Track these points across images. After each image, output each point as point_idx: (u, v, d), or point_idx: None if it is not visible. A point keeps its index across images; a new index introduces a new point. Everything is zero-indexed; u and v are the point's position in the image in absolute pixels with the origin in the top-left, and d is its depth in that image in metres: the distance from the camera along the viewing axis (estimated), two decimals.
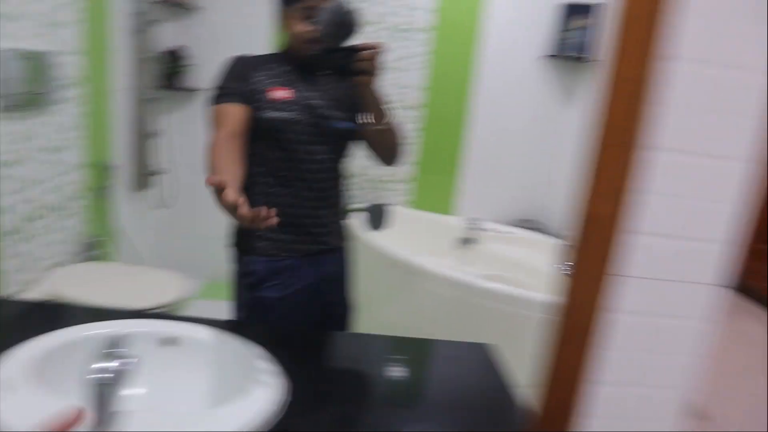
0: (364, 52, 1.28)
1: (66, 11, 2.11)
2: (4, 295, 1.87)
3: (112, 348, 0.98)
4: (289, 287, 1.47)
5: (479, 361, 1.33)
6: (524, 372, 1.45)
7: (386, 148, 1.50)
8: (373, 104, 1.37)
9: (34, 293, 1.95)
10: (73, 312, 1.46)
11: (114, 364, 0.96)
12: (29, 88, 1.89)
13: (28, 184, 1.98)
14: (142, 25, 2.67)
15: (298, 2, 1.36)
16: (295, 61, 1.45)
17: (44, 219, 2.10)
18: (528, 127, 3.31)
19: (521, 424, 1.03)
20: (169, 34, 3.08)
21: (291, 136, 1.40)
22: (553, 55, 3.16)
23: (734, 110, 0.81)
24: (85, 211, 2.40)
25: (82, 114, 2.29)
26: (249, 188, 1.43)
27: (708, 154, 0.81)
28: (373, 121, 1.40)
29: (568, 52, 3.08)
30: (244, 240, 1.49)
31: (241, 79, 1.39)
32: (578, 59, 3.08)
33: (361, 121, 1.45)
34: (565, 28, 3.10)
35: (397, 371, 1.25)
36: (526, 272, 3.03)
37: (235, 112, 1.35)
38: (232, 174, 1.22)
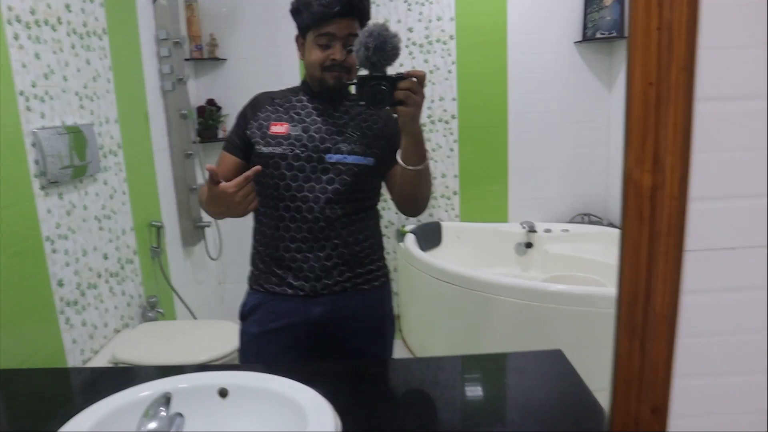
0: (405, 81, 1.16)
1: (101, 83, 2.18)
2: (69, 365, 1.91)
3: (157, 406, 0.95)
4: (269, 324, 1.41)
5: (555, 369, 1.22)
6: (608, 374, 1.34)
7: (416, 193, 1.35)
8: (413, 140, 1.24)
9: (98, 361, 1.98)
10: (132, 374, 1.45)
11: (158, 423, 0.93)
12: (74, 161, 1.95)
13: (83, 253, 2.03)
14: (173, 84, 2.74)
15: (315, 30, 1.34)
16: (311, 92, 1.42)
17: (101, 286, 2.14)
18: (570, 118, 3.18)
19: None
20: (200, 89, 3.16)
21: (284, 171, 1.35)
22: (584, 40, 3.03)
23: None
24: (141, 273, 2.44)
25: (127, 179, 2.35)
26: (254, 230, 1.46)
27: None
28: (411, 159, 1.26)
29: (600, 33, 2.95)
30: (252, 275, 1.49)
31: (241, 121, 1.43)
32: (611, 39, 2.94)
33: (396, 159, 1.31)
34: (593, 9, 2.98)
35: (471, 392, 1.17)
36: (594, 268, 2.88)
37: (227, 161, 1.42)
38: None
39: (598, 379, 1.18)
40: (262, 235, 1.42)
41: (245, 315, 1.46)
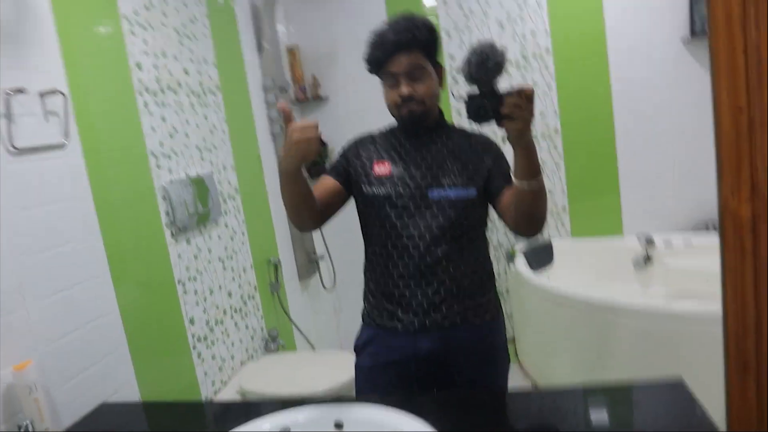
0: (511, 96, 1.14)
1: (218, 135, 2.40)
2: (203, 396, 2.08)
3: None
4: (381, 357, 1.44)
5: (676, 402, 1.15)
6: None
7: (533, 211, 1.30)
8: (524, 156, 1.21)
9: (227, 392, 2.13)
10: (257, 407, 1.56)
11: None
12: (198, 209, 2.15)
13: (210, 292, 2.22)
14: (281, 128, 2.92)
15: (379, 73, 1.40)
16: (407, 129, 1.46)
17: (227, 321, 2.32)
18: (682, 119, 2.96)
19: None
20: None
21: (389, 210, 1.38)
22: (692, 35, 2.84)
23: None
24: (261, 307, 2.60)
25: (245, 220, 2.54)
26: (364, 267, 1.50)
27: None
28: (524, 176, 1.23)
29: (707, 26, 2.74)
30: (364, 311, 1.52)
31: (344, 157, 1.48)
32: None
33: (478, 190, 1.35)
34: (699, 1, 2.78)
35: (584, 428, 1.13)
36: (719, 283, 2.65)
37: (327, 182, 1.45)
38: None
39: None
40: (372, 272, 1.47)
41: (359, 349, 1.51)
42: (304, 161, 1.22)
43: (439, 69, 1.42)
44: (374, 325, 1.47)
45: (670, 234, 2.98)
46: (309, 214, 1.37)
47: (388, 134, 1.50)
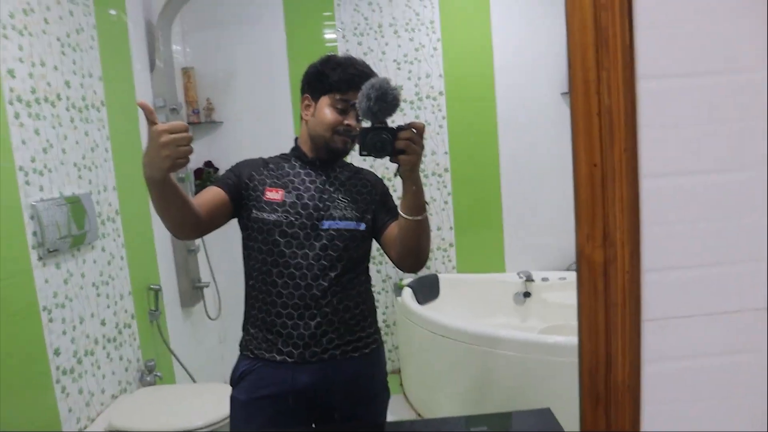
0: (405, 131, 1.19)
1: (99, 153, 2.26)
2: None
3: None
4: (257, 390, 1.40)
5: (546, 429, 1.22)
6: None
7: (417, 245, 1.34)
8: (412, 191, 1.25)
9: (95, 428, 1.97)
10: None
11: None
12: (72, 231, 2.00)
13: (80, 321, 2.05)
14: None
15: (334, 94, 1.37)
16: (304, 158, 1.46)
17: (98, 352, 2.15)
18: (560, 165, 3.20)
19: None
20: (199, 152, 3.24)
21: (278, 238, 1.37)
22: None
23: (735, 117, 0.74)
24: (139, 337, 2.45)
25: (125, 244, 2.40)
26: (245, 295, 1.47)
27: (716, 170, 0.75)
28: (411, 210, 1.27)
29: None
30: (242, 340, 1.49)
31: (234, 174, 1.43)
32: None
33: (367, 224, 1.37)
34: None
35: None
36: None
37: (214, 192, 1.38)
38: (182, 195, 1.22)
39: None
40: (254, 299, 1.44)
41: (235, 381, 1.46)
42: (172, 170, 1.10)
43: None
44: (252, 356, 1.43)
45: (547, 272, 3.20)
46: (187, 222, 1.28)
47: (281, 161, 1.49)
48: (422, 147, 1.22)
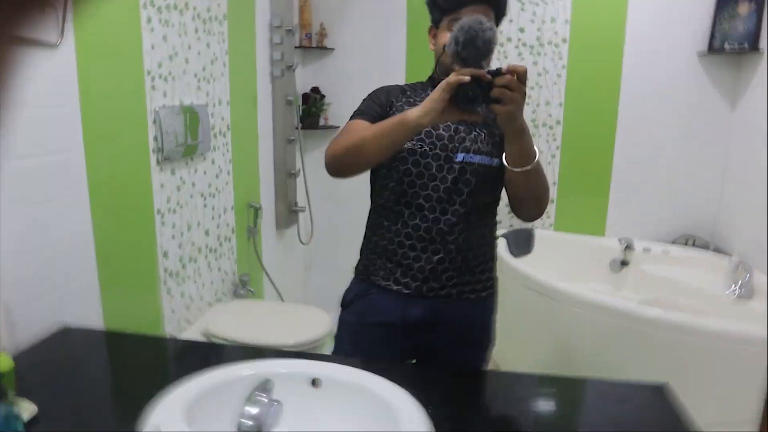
0: (502, 77, 1.08)
1: (217, 67, 2.28)
2: (165, 334, 2.02)
3: (258, 391, 0.98)
4: (368, 316, 1.39)
5: (655, 406, 1.15)
6: (701, 414, 1.24)
7: (530, 197, 1.28)
8: (515, 141, 1.17)
9: (191, 332, 2.08)
10: (224, 352, 1.51)
11: (259, 408, 0.95)
12: (188, 140, 2.05)
13: (188, 228, 2.13)
14: (282, 71, 2.81)
15: (448, 15, 1.29)
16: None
17: (200, 261, 2.24)
18: (686, 133, 2.97)
19: None
20: (307, 76, 3.23)
21: (411, 167, 1.31)
22: (710, 51, 2.81)
23: None
24: (236, 251, 2.53)
25: (233, 159, 2.45)
26: (369, 220, 1.42)
27: None
28: (516, 160, 1.19)
29: (729, 44, 2.73)
30: (360, 266, 1.47)
31: (375, 103, 1.37)
32: (741, 52, 2.71)
33: (503, 161, 1.24)
34: (724, 18, 2.75)
35: (552, 419, 1.12)
36: (695, 296, 2.69)
37: (362, 126, 1.31)
38: None
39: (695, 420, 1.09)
40: (377, 226, 1.40)
41: (347, 303, 1.46)
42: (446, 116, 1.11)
43: None
44: (368, 282, 1.41)
45: (650, 242, 3.01)
46: (371, 167, 1.33)
47: (419, 89, 1.41)
48: (523, 94, 1.09)
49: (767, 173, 2.52)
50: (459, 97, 1.10)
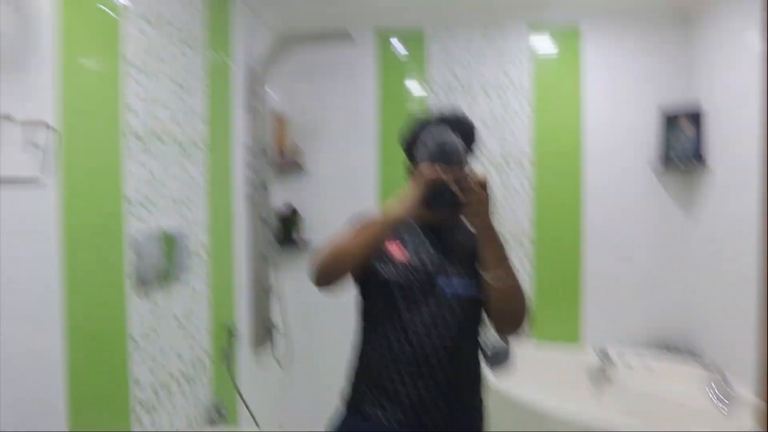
0: (466, 182, 1.19)
1: (195, 190, 2.32)
2: None
3: None
4: None
5: None
6: None
7: (508, 311, 1.30)
8: (486, 244, 1.23)
9: None
10: None
11: None
12: (164, 264, 2.03)
13: (160, 353, 2.06)
14: (258, 189, 2.87)
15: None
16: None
17: (173, 387, 2.15)
18: (651, 243, 3.09)
19: None
20: (281, 194, 3.30)
21: (398, 295, 1.33)
22: (663, 165, 3.01)
23: None
24: (212, 375, 2.44)
25: (209, 281, 2.43)
26: (360, 345, 1.41)
27: None
28: (489, 265, 1.24)
29: (678, 160, 2.93)
30: (348, 395, 1.43)
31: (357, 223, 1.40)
32: (688, 168, 2.91)
33: (482, 277, 1.29)
34: (671, 135, 2.97)
35: None
36: (675, 409, 2.66)
37: (341, 234, 1.36)
38: None
39: None
40: (366, 356, 1.39)
41: None
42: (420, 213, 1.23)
43: None
44: (354, 412, 1.37)
45: (626, 348, 3.02)
46: (356, 269, 1.33)
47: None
48: (486, 196, 1.21)
49: (731, 281, 2.61)
50: (430, 197, 1.22)
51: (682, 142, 2.93)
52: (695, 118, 2.89)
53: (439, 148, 1.23)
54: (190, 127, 2.29)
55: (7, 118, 1.37)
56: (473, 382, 1.39)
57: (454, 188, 1.20)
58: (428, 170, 1.20)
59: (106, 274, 1.78)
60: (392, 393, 1.32)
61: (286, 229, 3.19)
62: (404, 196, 1.22)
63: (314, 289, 1.39)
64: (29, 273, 1.46)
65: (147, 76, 1.99)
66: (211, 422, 2.37)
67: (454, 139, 1.25)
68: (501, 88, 3.17)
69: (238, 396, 2.64)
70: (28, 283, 1.45)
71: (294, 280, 3.26)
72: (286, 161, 3.24)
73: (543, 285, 3.16)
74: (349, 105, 3.29)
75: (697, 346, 2.98)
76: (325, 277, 1.32)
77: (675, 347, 3.04)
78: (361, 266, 1.32)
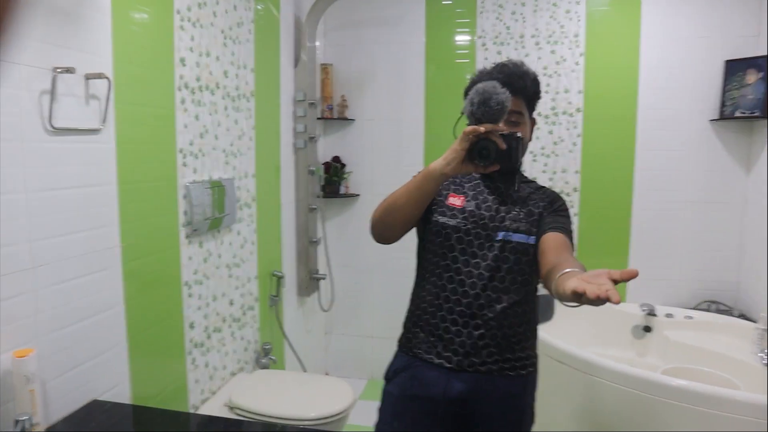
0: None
1: (244, 141, 2.37)
2: (189, 403, 2.02)
3: None
4: (410, 389, 1.41)
5: None
6: None
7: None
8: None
9: (214, 402, 2.08)
10: (248, 428, 1.52)
11: None
12: (215, 213, 2.11)
13: (213, 298, 2.17)
14: (305, 142, 2.91)
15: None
16: None
17: (224, 330, 2.27)
18: (701, 198, 2.99)
19: None
20: (328, 146, 3.33)
21: (454, 244, 1.38)
22: (721, 118, 2.88)
23: None
24: (259, 320, 2.56)
25: (257, 230, 2.51)
26: (412, 294, 1.45)
27: None
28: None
29: (740, 112, 2.79)
30: (404, 338, 1.49)
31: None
32: (752, 118, 2.77)
33: (538, 230, 1.34)
34: (733, 86, 2.83)
35: None
36: (721, 363, 2.63)
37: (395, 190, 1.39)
38: None
39: None
40: (421, 300, 1.44)
41: (389, 376, 1.48)
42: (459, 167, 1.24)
43: (532, 121, 1.46)
44: (410, 354, 1.44)
45: (672, 308, 2.98)
46: (410, 222, 1.37)
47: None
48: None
49: None
50: (474, 152, 1.23)
51: (745, 93, 2.79)
52: (761, 68, 2.73)
53: (484, 104, 1.22)
54: (240, 79, 2.32)
55: (69, 71, 1.43)
56: (526, 334, 1.41)
57: (499, 142, 1.22)
58: (470, 127, 1.21)
59: (160, 223, 1.86)
60: (444, 336, 1.38)
61: (332, 181, 3.24)
62: (449, 150, 1.24)
63: (359, 240, 1.45)
64: (91, 221, 1.55)
65: (199, 29, 2.02)
66: (260, 364, 2.50)
67: (501, 92, 1.22)
68: (554, 39, 3.06)
69: (285, 341, 2.76)
70: (89, 231, 1.54)
71: (339, 231, 3.32)
72: (332, 113, 3.26)
73: (589, 239, 3.12)
74: (396, 56, 3.25)
75: (746, 305, 2.91)
76: (380, 230, 1.38)
77: (723, 306, 2.98)
78: (415, 218, 1.36)
